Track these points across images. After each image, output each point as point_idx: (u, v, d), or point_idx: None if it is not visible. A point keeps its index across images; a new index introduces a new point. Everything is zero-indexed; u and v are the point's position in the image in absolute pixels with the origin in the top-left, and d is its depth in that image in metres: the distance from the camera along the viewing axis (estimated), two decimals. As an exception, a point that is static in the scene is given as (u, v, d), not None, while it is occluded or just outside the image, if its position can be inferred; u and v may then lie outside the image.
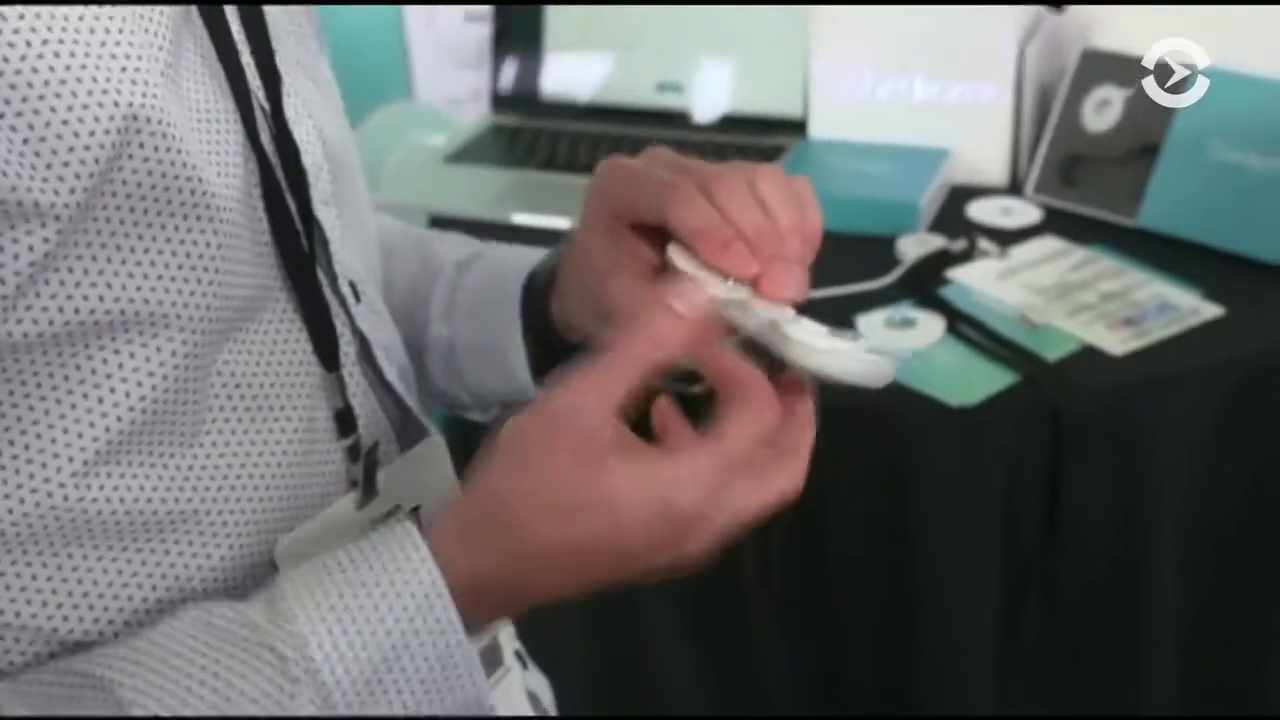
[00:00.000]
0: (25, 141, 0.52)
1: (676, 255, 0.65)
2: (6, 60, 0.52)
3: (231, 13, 0.64)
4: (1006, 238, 1.36)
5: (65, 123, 0.53)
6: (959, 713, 1.22)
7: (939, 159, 1.45)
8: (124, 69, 0.55)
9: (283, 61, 0.67)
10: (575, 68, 1.64)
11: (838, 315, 0.96)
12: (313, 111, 0.69)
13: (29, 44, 0.52)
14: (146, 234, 0.57)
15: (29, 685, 0.56)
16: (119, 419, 0.57)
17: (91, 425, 0.57)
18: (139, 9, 0.57)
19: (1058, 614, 1.21)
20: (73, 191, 0.54)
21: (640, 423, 0.61)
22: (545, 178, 1.54)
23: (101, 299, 0.56)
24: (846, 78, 1.49)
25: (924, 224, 1.40)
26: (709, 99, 1.59)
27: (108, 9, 0.55)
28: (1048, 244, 1.36)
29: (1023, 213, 1.41)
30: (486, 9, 1.68)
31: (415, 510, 0.69)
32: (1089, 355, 1.19)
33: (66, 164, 0.53)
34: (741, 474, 0.59)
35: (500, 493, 0.59)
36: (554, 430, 0.59)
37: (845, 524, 1.20)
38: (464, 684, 0.59)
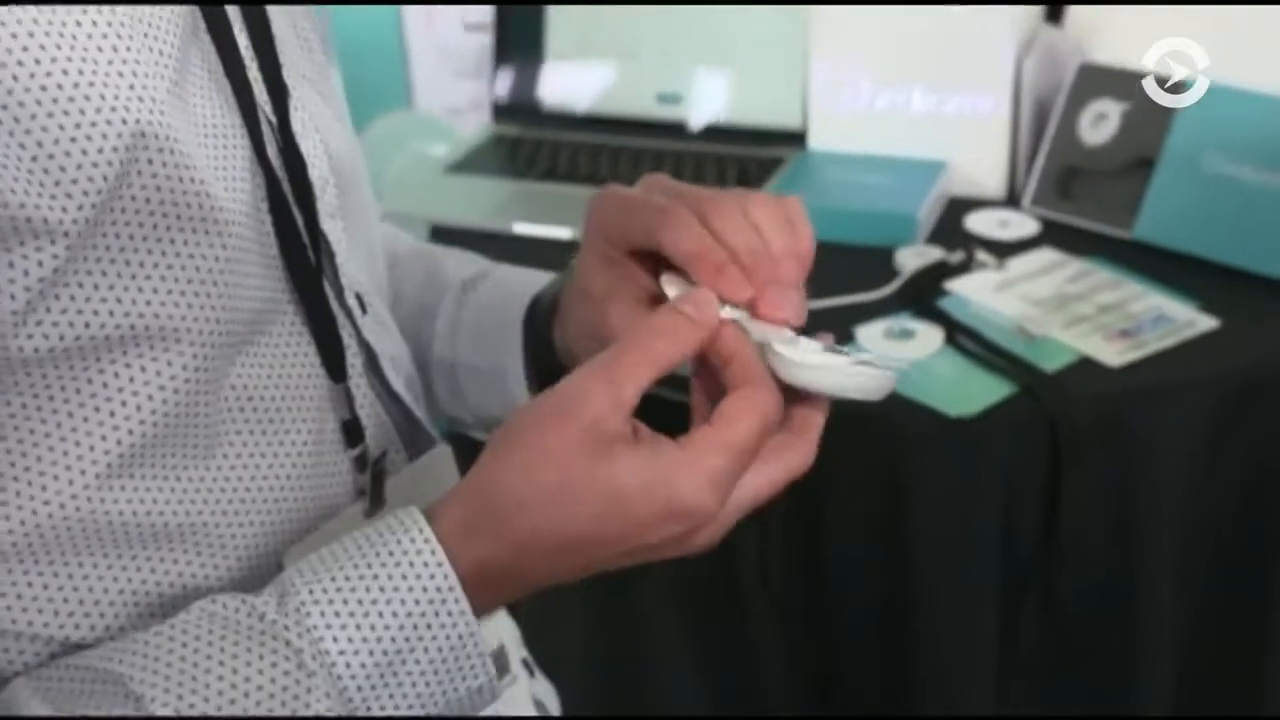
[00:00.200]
0: (34, 159, 0.53)
1: (669, 285, 0.65)
2: (15, 78, 0.52)
3: (238, 26, 0.64)
4: (1004, 249, 1.36)
5: (73, 140, 0.53)
6: (958, 714, 1.23)
7: (937, 171, 1.45)
8: (131, 86, 0.55)
9: (289, 75, 0.67)
10: (576, 78, 1.64)
11: (836, 326, 0.96)
12: (319, 124, 0.69)
13: (37, 61, 0.53)
14: (155, 249, 0.57)
15: (46, 682, 0.56)
16: (130, 433, 0.58)
17: (103, 439, 0.57)
18: (146, 25, 0.57)
19: (1056, 622, 1.21)
20: (81, 208, 0.54)
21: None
22: (546, 188, 1.54)
23: (111, 314, 0.56)
24: (845, 90, 1.50)
25: (922, 236, 1.40)
26: (709, 110, 1.59)
27: (115, 27, 0.55)
28: (1045, 256, 1.36)
29: (1020, 225, 1.42)
30: (487, 19, 1.68)
31: None
32: (1086, 366, 1.19)
33: (74, 181, 0.54)
34: (748, 463, 0.59)
35: (506, 482, 0.58)
36: (561, 417, 0.58)
37: (845, 531, 1.21)
38: (475, 672, 0.59)
